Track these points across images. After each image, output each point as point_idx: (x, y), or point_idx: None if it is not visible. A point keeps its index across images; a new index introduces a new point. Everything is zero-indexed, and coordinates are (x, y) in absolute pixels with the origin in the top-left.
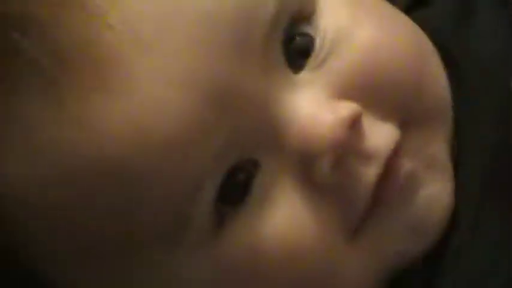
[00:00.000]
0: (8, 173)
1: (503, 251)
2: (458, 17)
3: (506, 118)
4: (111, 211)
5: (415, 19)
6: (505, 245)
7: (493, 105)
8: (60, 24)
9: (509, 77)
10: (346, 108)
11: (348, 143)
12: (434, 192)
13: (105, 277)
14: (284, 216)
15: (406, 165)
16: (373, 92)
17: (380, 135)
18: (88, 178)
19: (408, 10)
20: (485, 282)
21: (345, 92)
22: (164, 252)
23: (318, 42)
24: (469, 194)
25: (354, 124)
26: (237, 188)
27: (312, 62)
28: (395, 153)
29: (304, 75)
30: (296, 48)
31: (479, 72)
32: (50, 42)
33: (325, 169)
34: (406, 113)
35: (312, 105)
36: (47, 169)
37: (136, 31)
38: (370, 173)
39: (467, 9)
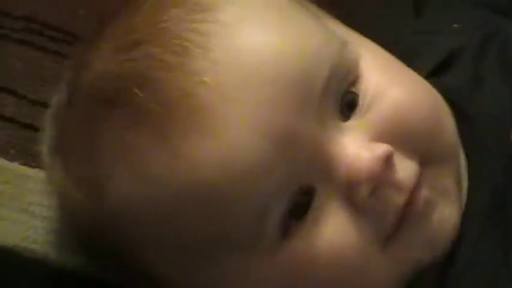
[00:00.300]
0: (125, 193)
1: (503, 269)
2: (472, 82)
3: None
4: (201, 222)
5: (435, 83)
6: (505, 261)
7: (499, 152)
8: (167, 81)
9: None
10: (381, 149)
11: (382, 175)
12: (445, 215)
13: (191, 273)
14: (333, 230)
15: (424, 193)
16: (401, 137)
17: (406, 170)
18: (185, 196)
19: (428, 76)
20: None
21: (380, 137)
22: (240, 257)
23: (360, 98)
24: (475, 219)
25: (387, 161)
26: (300, 207)
27: (356, 113)
28: (417, 184)
29: (350, 123)
30: (345, 103)
31: (487, 127)
32: (159, 94)
33: (364, 195)
34: (425, 154)
35: (356, 146)
36: (155, 190)
37: (225, 88)
38: (398, 199)
39: (479, 75)
